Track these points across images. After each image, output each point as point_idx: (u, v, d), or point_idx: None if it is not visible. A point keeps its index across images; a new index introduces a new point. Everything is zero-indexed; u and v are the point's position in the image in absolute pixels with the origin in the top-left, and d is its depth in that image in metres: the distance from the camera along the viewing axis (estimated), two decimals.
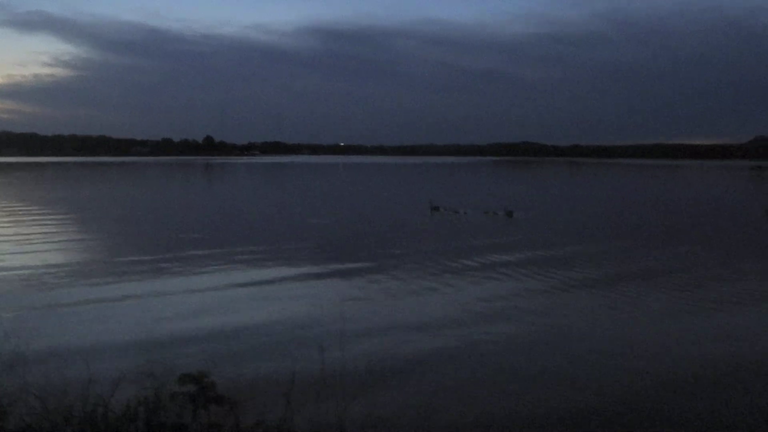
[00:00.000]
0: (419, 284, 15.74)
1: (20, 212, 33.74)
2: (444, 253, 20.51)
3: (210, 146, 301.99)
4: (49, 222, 29.06)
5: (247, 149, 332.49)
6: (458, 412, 8.01)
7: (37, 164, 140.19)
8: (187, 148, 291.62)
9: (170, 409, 5.72)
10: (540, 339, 11.19)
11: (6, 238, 23.66)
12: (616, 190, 62.88)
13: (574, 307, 13.62)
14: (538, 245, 22.65)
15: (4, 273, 16.68)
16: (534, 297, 14.48)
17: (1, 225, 27.94)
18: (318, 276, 16.84)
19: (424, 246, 22.21)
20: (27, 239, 23.27)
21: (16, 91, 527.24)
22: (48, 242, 22.63)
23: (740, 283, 16.08)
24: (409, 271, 17.36)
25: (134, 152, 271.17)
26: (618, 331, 11.70)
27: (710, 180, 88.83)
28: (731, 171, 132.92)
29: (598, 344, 10.85)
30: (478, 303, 13.83)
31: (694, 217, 34.20)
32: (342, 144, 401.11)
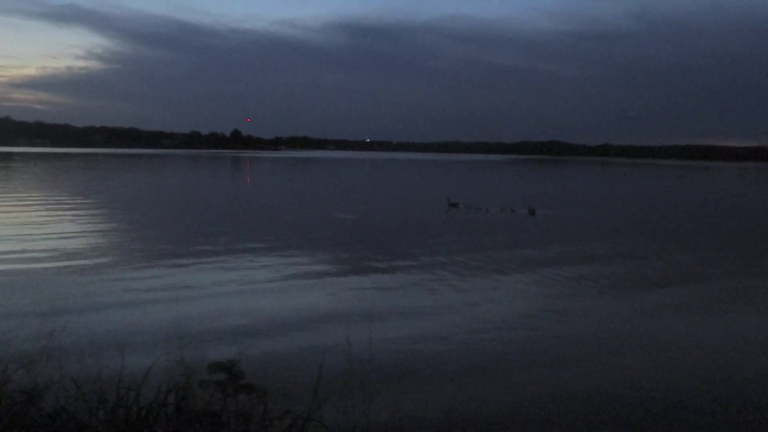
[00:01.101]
0: (412, 281, 15.71)
1: (65, 205, 34.38)
2: (449, 252, 20.26)
3: (237, 140, 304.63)
4: (91, 214, 29.59)
5: (274, 143, 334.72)
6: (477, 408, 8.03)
7: (70, 155, 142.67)
8: (214, 141, 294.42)
9: (200, 397, 5.82)
10: (556, 342, 11.13)
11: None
12: (643, 191, 62.01)
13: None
14: (553, 244, 22.46)
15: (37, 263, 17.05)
16: (543, 299, 14.39)
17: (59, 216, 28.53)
18: (345, 270, 16.91)
19: (432, 243, 22.09)
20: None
21: (49, 83, 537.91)
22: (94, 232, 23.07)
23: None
24: (407, 270, 17.29)
25: (163, 145, 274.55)
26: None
27: (738, 183, 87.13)
28: (762, 173, 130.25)
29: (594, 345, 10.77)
30: (459, 302, 13.81)
31: (718, 220, 33.62)
32: (368, 140, 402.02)
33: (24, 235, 21.60)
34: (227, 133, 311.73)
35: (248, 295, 13.88)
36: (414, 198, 44.18)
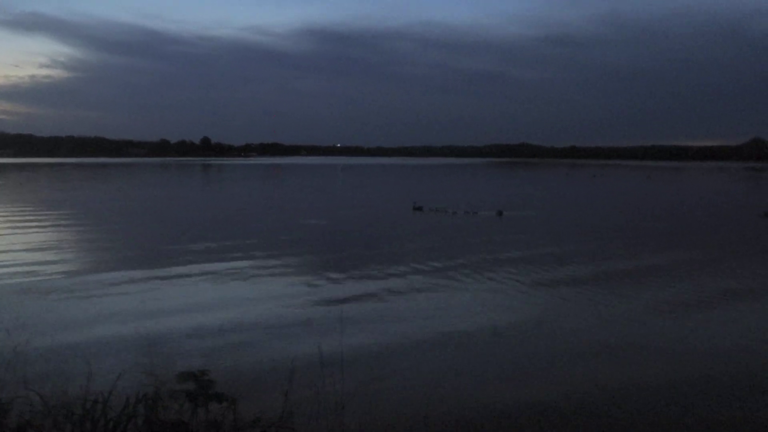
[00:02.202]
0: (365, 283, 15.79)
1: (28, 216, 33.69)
2: (414, 257, 20.37)
3: (207, 147, 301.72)
4: (53, 223, 29.05)
5: (245, 150, 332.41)
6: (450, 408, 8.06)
7: (35, 165, 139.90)
8: (184, 149, 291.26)
9: (170, 407, 5.76)
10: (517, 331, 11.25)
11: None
12: (610, 191, 62.94)
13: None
14: (515, 244, 22.70)
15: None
16: (484, 295, 14.54)
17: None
18: (313, 275, 16.87)
19: (397, 247, 22.19)
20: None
21: (12, 92, 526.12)
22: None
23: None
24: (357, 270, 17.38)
25: (131, 153, 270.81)
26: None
27: (707, 181, 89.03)
28: (727, 173, 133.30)
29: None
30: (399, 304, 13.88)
31: (687, 219, 34.29)
32: (339, 145, 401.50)
33: None
34: (197, 141, 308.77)
35: (215, 302, 13.74)
36: (383, 202, 44.28)
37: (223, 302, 13.81)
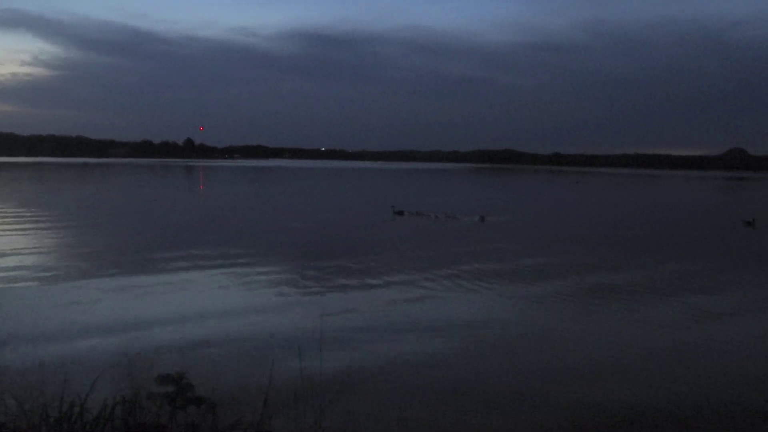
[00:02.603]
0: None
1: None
2: (395, 261, 20.50)
3: (190, 149, 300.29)
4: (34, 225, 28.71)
5: (228, 152, 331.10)
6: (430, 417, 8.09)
7: (15, 164, 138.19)
8: (167, 150, 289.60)
9: (148, 410, 5.73)
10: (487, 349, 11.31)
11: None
12: (592, 198, 63.49)
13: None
14: (495, 250, 22.85)
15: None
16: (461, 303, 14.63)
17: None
18: (294, 279, 16.84)
19: (378, 251, 22.26)
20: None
21: None
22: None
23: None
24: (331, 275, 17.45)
25: (113, 154, 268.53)
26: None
27: (687, 190, 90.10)
28: (707, 181, 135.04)
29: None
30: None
31: (669, 228, 34.68)
32: (323, 149, 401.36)
33: None
34: (180, 142, 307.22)
35: (194, 306, 13.67)
36: (365, 206, 44.28)
37: (203, 306, 13.73)
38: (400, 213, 36.55)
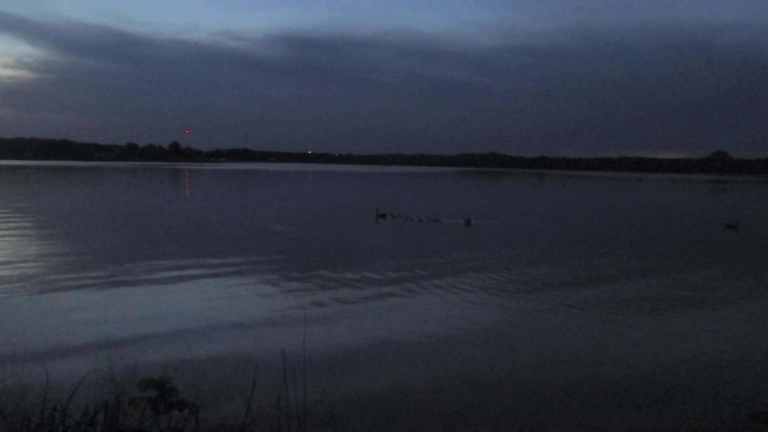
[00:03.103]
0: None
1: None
2: (380, 263, 20.57)
3: (176, 152, 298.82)
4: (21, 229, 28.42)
5: (214, 156, 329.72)
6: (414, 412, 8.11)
7: (3, 168, 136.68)
8: (152, 153, 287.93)
9: (131, 415, 5.71)
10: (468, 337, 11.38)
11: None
12: (578, 201, 63.86)
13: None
14: (477, 259, 22.96)
15: None
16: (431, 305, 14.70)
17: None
18: (277, 283, 16.83)
19: (361, 253, 22.32)
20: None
21: None
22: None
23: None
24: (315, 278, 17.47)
25: (98, 157, 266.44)
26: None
27: (671, 193, 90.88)
28: (691, 184, 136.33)
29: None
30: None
31: (648, 228, 34.99)
32: (310, 152, 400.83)
33: None
34: (166, 146, 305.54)
35: (177, 310, 13.62)
36: (350, 209, 44.29)
37: (186, 310, 13.68)
38: (383, 216, 36.53)
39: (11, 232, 26.90)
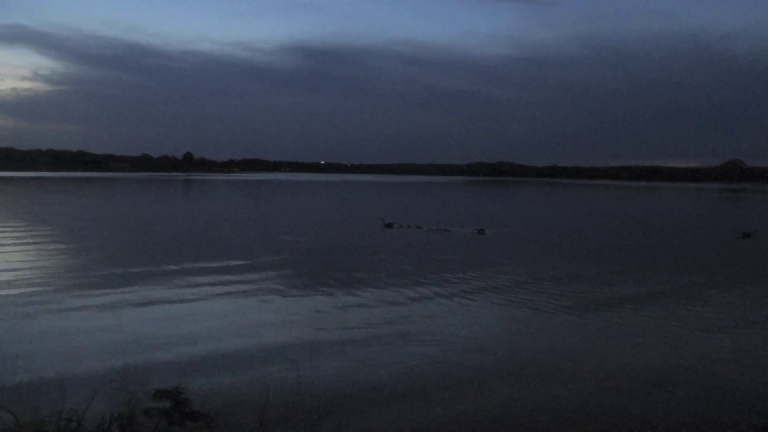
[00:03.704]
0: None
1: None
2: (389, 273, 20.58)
3: (189, 163, 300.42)
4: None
5: (227, 166, 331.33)
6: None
7: (13, 179, 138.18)
8: (166, 164, 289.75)
9: (145, 425, 5.75)
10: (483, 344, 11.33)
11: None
12: (590, 210, 63.52)
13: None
14: (493, 269, 22.89)
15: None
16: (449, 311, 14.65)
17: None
18: (287, 292, 16.87)
19: (369, 263, 22.32)
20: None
21: None
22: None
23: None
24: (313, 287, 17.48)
25: (113, 168, 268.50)
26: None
27: (684, 202, 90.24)
28: (705, 193, 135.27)
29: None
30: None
31: (660, 239, 34.72)
32: (322, 162, 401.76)
33: None
34: (179, 156, 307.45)
35: (191, 320, 13.69)
36: (359, 219, 44.29)
37: (199, 320, 13.75)
38: (390, 225, 36.33)
39: (27, 242, 27.16)
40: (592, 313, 14.95)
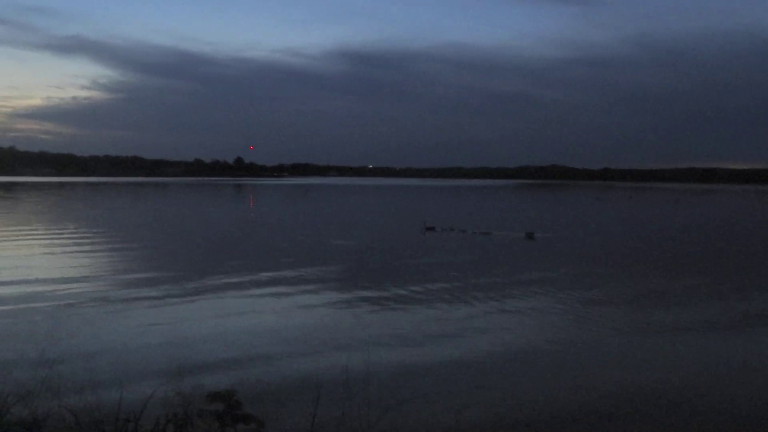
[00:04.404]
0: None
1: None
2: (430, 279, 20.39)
3: (240, 167, 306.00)
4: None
5: (277, 170, 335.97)
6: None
7: (74, 184, 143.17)
8: (217, 169, 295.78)
9: (198, 426, 5.84)
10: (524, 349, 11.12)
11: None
12: (643, 214, 61.80)
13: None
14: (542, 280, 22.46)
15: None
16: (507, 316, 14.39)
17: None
18: (338, 296, 16.94)
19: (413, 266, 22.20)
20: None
21: (54, 113, 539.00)
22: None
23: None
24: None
25: (166, 173, 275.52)
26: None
27: (744, 205, 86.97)
28: (765, 195, 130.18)
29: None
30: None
31: (725, 244, 33.55)
32: (371, 166, 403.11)
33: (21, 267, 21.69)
34: (230, 161, 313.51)
35: (244, 323, 13.90)
36: (404, 222, 44.12)
37: (252, 324, 13.93)
38: (431, 229, 36.03)
39: (84, 246, 28.05)
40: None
